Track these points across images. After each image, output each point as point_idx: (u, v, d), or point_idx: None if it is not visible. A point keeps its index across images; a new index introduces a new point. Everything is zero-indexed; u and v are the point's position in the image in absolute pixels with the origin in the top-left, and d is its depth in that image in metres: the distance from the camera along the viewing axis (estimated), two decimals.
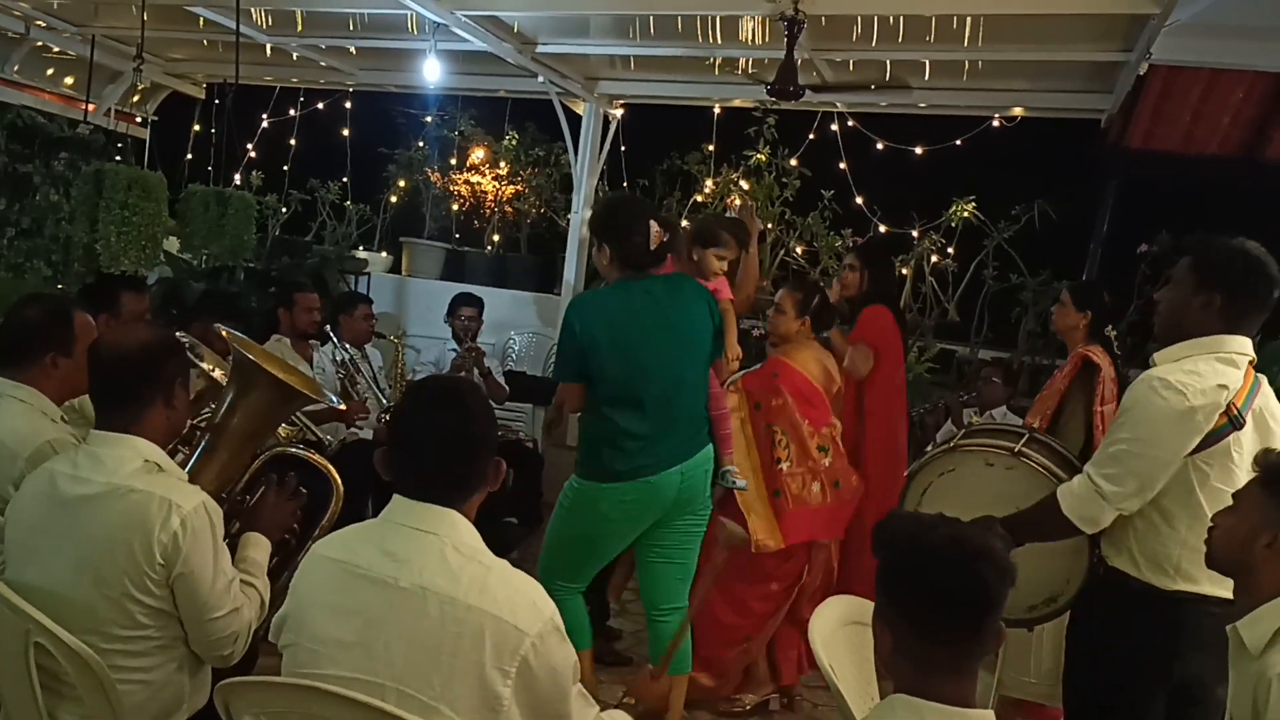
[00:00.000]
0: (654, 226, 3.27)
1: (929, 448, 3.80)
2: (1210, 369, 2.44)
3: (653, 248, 3.28)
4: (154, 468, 2.24)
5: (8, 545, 2.27)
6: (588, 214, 7.02)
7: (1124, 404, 2.51)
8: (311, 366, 5.24)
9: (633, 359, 3.22)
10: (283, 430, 2.95)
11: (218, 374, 2.87)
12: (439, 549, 1.81)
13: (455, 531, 1.85)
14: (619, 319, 3.24)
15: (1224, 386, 2.42)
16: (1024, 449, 2.84)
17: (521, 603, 1.79)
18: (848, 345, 4.39)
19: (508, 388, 6.09)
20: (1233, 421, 2.42)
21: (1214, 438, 2.42)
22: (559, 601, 3.28)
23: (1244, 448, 2.44)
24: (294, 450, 2.82)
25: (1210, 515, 2.18)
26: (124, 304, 4.18)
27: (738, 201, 6.10)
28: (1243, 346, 2.50)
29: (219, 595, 2.22)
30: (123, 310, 4.14)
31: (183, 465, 2.55)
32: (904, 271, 7.24)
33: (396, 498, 1.89)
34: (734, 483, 3.61)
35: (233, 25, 5.42)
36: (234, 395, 2.68)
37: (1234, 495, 2.11)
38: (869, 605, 2.58)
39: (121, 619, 2.16)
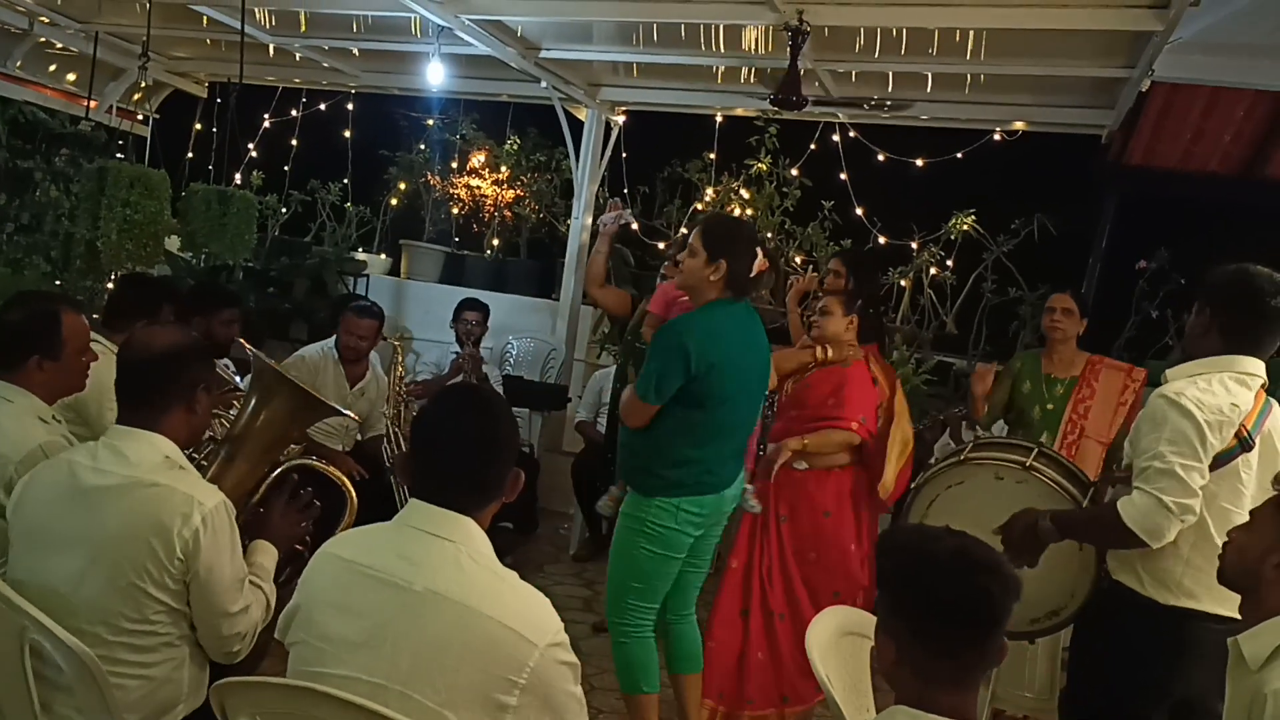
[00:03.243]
0: (759, 255, 3.28)
1: (931, 460, 3.78)
2: (1223, 388, 2.46)
3: (752, 275, 3.29)
4: (174, 465, 2.24)
5: (16, 535, 2.26)
6: (588, 220, 7.02)
7: (1150, 420, 2.50)
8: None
9: (735, 383, 3.25)
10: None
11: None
12: (454, 556, 1.82)
13: (471, 540, 1.85)
14: (732, 346, 3.24)
15: (1236, 405, 2.44)
16: (1035, 463, 2.85)
17: (532, 615, 1.80)
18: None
19: (502, 394, 6.08)
20: (1243, 443, 2.44)
21: (1224, 459, 2.43)
22: (634, 639, 3.36)
23: (1252, 469, 2.46)
24: (310, 462, 2.78)
25: (1215, 535, 2.19)
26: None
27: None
28: (1255, 368, 2.51)
29: (232, 594, 2.23)
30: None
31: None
32: (903, 283, 7.25)
33: (414, 501, 1.89)
34: (751, 505, 3.63)
35: (237, 24, 5.41)
36: (255, 404, 2.66)
37: (1251, 513, 2.12)
38: (866, 616, 2.60)
39: (131, 611, 2.15)
